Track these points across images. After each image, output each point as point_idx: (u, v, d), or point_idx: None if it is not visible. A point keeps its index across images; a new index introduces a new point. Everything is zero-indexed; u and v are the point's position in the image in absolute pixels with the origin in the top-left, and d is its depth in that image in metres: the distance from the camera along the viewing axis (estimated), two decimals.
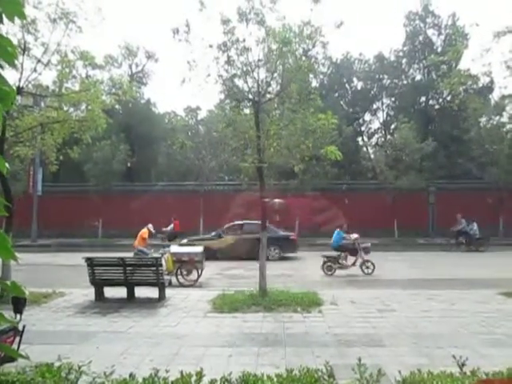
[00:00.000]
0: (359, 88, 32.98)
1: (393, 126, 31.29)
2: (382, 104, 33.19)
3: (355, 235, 13.60)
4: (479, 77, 12.25)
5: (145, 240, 13.25)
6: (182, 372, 3.58)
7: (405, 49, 31.66)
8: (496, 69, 11.82)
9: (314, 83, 29.11)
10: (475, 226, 20.48)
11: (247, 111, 9.99)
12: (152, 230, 13.66)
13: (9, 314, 3.58)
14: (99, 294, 9.40)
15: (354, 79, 33.09)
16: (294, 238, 18.58)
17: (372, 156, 32.99)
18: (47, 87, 12.01)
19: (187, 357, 5.66)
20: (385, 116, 33.31)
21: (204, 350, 5.94)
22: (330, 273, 13.20)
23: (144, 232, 13.38)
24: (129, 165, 27.50)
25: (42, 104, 12.83)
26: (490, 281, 11.56)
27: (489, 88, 24.30)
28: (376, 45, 59.10)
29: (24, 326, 4.09)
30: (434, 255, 18.69)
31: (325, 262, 13.31)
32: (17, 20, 1.46)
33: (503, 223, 24.43)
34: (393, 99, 32.84)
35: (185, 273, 11.82)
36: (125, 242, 20.85)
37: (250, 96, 9.26)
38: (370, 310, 8.33)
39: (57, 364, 3.79)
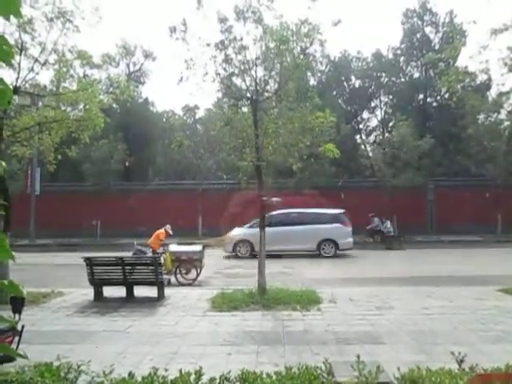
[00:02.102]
0: (357, 86, 32.97)
1: (391, 124, 31.31)
2: (380, 102, 33.19)
3: None
4: (477, 74, 12.26)
5: (161, 241, 13.02)
6: (181, 371, 3.58)
7: (402, 46, 31.65)
8: (494, 66, 11.83)
9: (312, 81, 29.11)
10: (389, 224, 20.51)
11: (245, 110, 9.99)
12: (170, 231, 13.42)
13: (7, 313, 3.59)
14: (98, 294, 9.39)
15: (352, 77, 33.06)
16: None
17: (370, 154, 33.03)
18: (45, 87, 11.99)
19: (186, 356, 5.66)
20: (383, 114, 33.32)
21: (203, 349, 5.95)
22: None
23: (161, 233, 13.12)
24: (127, 164, 27.48)
25: (40, 103, 12.79)
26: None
27: (486, 85, 24.22)
28: (374, 43, 59.31)
29: (23, 326, 4.09)
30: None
31: None
32: (13, 19, 1.46)
33: (501, 220, 24.47)
34: (391, 97, 32.84)
35: (184, 272, 11.81)
36: (123, 241, 20.84)
37: (248, 94, 9.26)
38: (369, 307, 8.35)
39: (56, 363, 3.79)
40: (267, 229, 17.49)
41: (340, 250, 17.36)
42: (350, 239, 17.50)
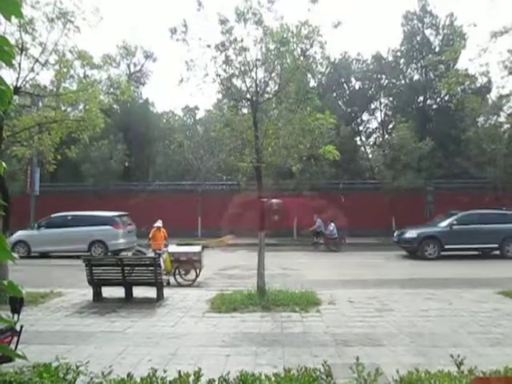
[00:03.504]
0: (357, 88, 32.98)
1: (390, 126, 31.29)
2: (380, 104, 33.18)
3: None
4: (477, 76, 12.32)
5: (157, 240, 12.95)
6: (179, 372, 3.58)
7: (403, 49, 31.66)
8: (494, 68, 11.88)
9: (312, 83, 28.89)
10: (332, 226, 20.49)
11: (245, 111, 10.00)
12: (160, 225, 13.31)
13: (6, 314, 3.58)
14: (97, 294, 9.39)
15: (352, 79, 33.07)
16: None
17: (370, 156, 33.02)
18: (45, 87, 11.97)
19: (185, 357, 5.66)
20: (383, 116, 33.31)
21: (202, 350, 5.94)
22: None
23: (155, 232, 13.10)
24: (126, 164, 27.48)
25: (40, 104, 12.79)
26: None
27: (486, 88, 24.31)
28: (374, 45, 59.24)
29: (22, 326, 4.08)
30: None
31: None
32: (14, 20, 1.47)
33: None
34: (391, 99, 32.84)
35: (183, 272, 11.81)
36: None
37: (248, 96, 9.26)
38: (368, 309, 8.34)
39: (54, 364, 3.79)
40: (46, 230, 18.46)
41: (110, 252, 17.88)
42: (121, 240, 18.23)
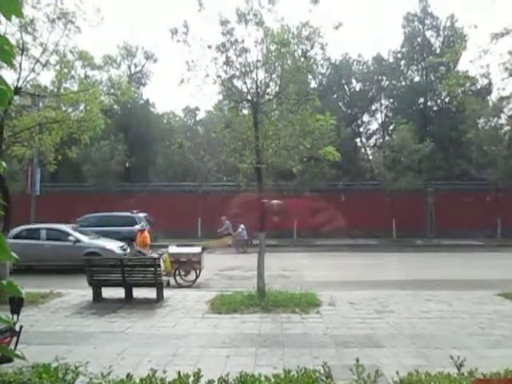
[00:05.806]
0: (358, 89, 33.03)
1: (391, 127, 31.33)
2: (381, 105, 33.24)
3: None
4: (477, 78, 12.28)
5: (144, 241, 13.01)
6: (179, 372, 3.57)
7: (403, 50, 31.70)
8: (494, 70, 11.84)
9: (313, 84, 29.12)
10: (241, 228, 20.37)
11: (246, 112, 10.00)
12: (142, 228, 13.27)
13: (6, 314, 3.57)
14: (97, 295, 9.39)
15: (353, 80, 33.13)
16: None
17: (370, 157, 33.05)
18: (45, 87, 12.00)
19: (185, 357, 5.65)
20: (383, 117, 33.36)
21: (202, 351, 5.93)
22: None
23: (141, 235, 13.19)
24: (127, 165, 27.49)
25: (41, 104, 12.80)
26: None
27: (487, 89, 24.31)
28: (374, 46, 59.32)
29: (21, 327, 4.08)
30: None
31: None
32: (15, 20, 1.47)
33: (501, 224, 24.44)
34: (391, 100, 32.88)
35: (183, 273, 11.80)
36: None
37: (249, 97, 9.27)
38: (368, 310, 8.33)
39: (54, 364, 3.78)
40: None
41: None
42: None
